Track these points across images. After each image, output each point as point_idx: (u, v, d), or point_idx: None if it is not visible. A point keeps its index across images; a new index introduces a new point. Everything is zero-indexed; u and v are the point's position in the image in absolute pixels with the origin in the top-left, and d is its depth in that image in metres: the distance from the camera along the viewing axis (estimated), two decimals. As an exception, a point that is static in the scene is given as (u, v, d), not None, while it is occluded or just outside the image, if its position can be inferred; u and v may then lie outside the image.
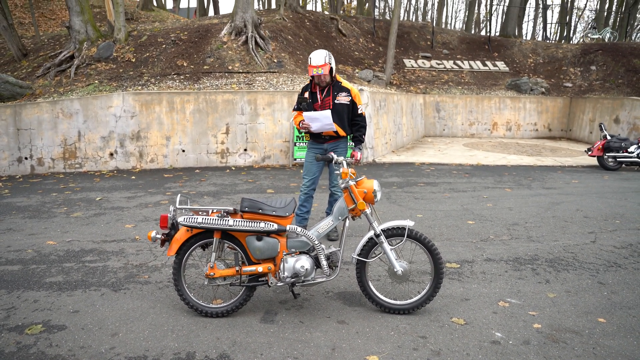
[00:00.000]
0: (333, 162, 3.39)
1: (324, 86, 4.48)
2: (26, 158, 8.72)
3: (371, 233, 3.17)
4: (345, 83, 4.56)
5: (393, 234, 3.18)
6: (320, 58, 4.25)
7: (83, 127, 8.85)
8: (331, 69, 4.32)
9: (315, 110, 4.48)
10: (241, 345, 2.85)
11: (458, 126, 16.02)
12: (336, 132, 4.48)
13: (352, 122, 4.61)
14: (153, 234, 3.08)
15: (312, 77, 4.40)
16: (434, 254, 3.15)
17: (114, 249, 4.58)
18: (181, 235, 3.11)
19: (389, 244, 3.19)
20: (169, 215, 3.12)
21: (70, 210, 6.00)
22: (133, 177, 8.17)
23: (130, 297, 3.49)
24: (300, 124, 4.50)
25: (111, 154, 8.99)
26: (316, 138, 4.64)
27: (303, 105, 4.49)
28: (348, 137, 4.71)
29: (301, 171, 8.80)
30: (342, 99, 4.46)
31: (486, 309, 3.36)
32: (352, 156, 4.37)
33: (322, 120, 4.37)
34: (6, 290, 3.61)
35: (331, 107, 4.45)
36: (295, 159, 9.38)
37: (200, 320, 3.15)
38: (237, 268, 3.12)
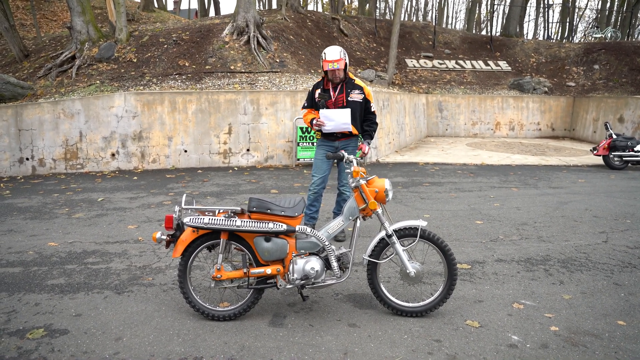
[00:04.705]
0: (344, 160, 3.30)
1: (337, 83, 4.39)
2: (27, 159, 8.63)
3: (383, 233, 3.08)
4: (358, 81, 4.48)
5: (405, 234, 3.09)
6: (335, 53, 4.16)
7: (84, 128, 8.77)
8: (346, 64, 4.23)
9: (327, 107, 4.38)
10: (250, 349, 2.76)
11: (461, 126, 15.93)
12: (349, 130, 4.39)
13: (364, 119, 4.52)
14: (158, 235, 2.99)
15: (326, 73, 4.31)
16: (447, 254, 3.06)
17: (117, 250, 4.49)
18: (187, 236, 3.01)
19: (401, 245, 3.10)
20: (174, 215, 3.03)
21: (72, 211, 5.92)
22: (135, 178, 8.09)
23: (134, 300, 3.40)
24: (314, 122, 4.38)
25: (113, 155, 8.91)
26: (327, 135, 4.54)
27: (321, 101, 4.37)
28: (360, 135, 4.62)
29: (305, 171, 8.72)
30: (355, 96, 4.37)
31: (500, 311, 3.26)
32: (359, 149, 4.27)
33: (339, 119, 4.27)
34: (7, 293, 3.52)
35: (345, 104, 4.35)
36: (298, 159, 9.28)
37: (207, 323, 3.06)
38: (244, 270, 3.03)
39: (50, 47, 12.50)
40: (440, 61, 17.83)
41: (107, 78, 9.96)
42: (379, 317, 3.15)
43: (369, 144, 4.45)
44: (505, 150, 12.26)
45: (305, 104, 4.60)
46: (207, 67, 10.54)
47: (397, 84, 15.77)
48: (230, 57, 10.88)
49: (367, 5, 31.24)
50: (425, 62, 17.63)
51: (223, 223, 2.91)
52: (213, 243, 3.07)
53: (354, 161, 3.23)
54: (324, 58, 4.20)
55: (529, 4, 29.39)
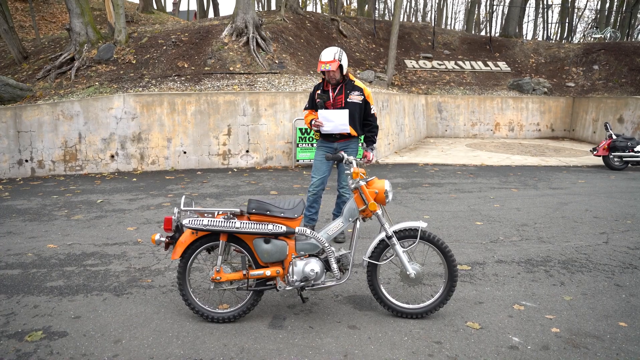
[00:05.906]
0: (343, 161, 3.29)
1: (336, 84, 4.39)
2: (26, 160, 8.62)
3: (383, 235, 3.07)
4: (358, 82, 4.47)
5: (405, 235, 3.08)
6: (330, 54, 4.17)
7: (84, 129, 8.75)
8: (341, 66, 4.24)
9: (327, 108, 4.38)
10: (249, 352, 2.74)
11: (460, 127, 15.93)
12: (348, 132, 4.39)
13: (364, 122, 4.52)
14: (157, 236, 2.98)
15: (323, 73, 4.31)
16: (447, 256, 3.05)
17: (116, 252, 4.48)
18: (186, 238, 3.00)
19: (401, 246, 3.09)
20: (173, 217, 3.02)
21: (71, 213, 5.90)
22: (134, 179, 8.07)
23: (133, 302, 3.39)
24: (313, 122, 4.39)
25: (112, 156, 8.90)
26: (327, 136, 4.54)
27: (320, 102, 4.37)
28: (360, 137, 4.61)
29: (304, 172, 8.71)
30: (355, 97, 4.37)
31: (501, 312, 3.25)
32: (364, 156, 4.27)
33: (337, 120, 4.28)
34: (6, 295, 3.51)
35: (343, 105, 4.35)
36: (297, 160, 9.27)
37: (206, 325, 3.04)
38: (244, 272, 3.01)
39: (49, 49, 12.48)
40: (440, 62, 17.84)
41: (106, 79, 9.95)
42: (379, 318, 3.14)
43: (372, 149, 4.44)
44: (505, 151, 12.25)
45: (307, 105, 4.64)
46: (206, 68, 10.54)
47: (397, 84, 15.77)
48: (229, 58, 10.88)
49: (366, 6, 31.29)
50: (424, 63, 17.63)
51: (222, 225, 2.90)
52: (212, 245, 3.06)
53: (354, 162, 3.21)
54: (320, 59, 4.21)
55: (528, 5, 29.43)
